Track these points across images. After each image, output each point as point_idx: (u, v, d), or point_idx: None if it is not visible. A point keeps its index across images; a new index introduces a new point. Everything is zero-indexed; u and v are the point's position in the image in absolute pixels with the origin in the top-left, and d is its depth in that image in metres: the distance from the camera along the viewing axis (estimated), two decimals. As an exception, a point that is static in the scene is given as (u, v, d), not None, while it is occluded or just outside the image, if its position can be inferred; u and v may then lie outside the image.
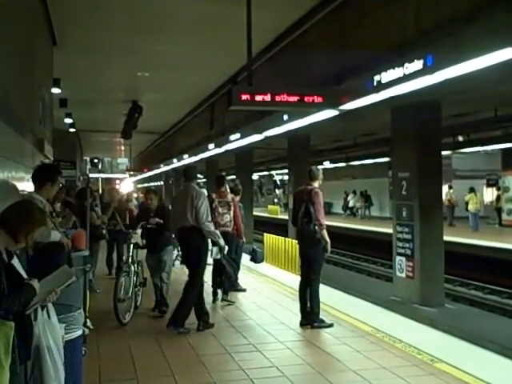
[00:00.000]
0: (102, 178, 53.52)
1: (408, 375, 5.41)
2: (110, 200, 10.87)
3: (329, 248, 7.36)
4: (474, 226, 22.01)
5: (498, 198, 24.58)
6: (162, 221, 7.97)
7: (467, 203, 22.88)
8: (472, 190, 22.99)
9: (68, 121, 20.40)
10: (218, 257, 7.60)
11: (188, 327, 7.08)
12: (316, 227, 7.24)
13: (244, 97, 7.96)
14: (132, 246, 8.13)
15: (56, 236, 4.88)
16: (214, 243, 7.47)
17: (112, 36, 11.71)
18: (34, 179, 5.17)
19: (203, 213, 7.06)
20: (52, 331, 3.20)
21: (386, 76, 7.21)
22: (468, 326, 9.13)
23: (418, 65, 6.58)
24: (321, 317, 7.38)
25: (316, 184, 7.53)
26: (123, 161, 56.01)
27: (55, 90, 13.75)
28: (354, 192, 32.04)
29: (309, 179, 7.61)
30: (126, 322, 7.46)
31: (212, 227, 7.25)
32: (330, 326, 7.29)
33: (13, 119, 6.71)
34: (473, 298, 14.33)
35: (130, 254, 8.07)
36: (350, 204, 32.23)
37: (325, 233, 7.29)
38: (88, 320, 5.51)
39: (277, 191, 51.27)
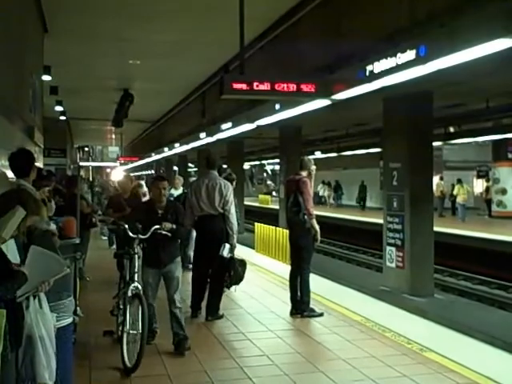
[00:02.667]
0: (92, 167, 53.38)
1: (397, 364, 5.45)
2: (123, 191, 9.45)
3: (318, 237, 7.39)
4: (461, 216, 22.16)
5: (487, 189, 24.72)
6: (174, 225, 5.96)
7: (452, 195, 23.08)
8: (459, 181, 23.09)
9: (58, 108, 20.26)
10: (225, 255, 7.09)
11: (222, 312, 7.28)
12: (305, 216, 7.27)
13: (236, 86, 7.92)
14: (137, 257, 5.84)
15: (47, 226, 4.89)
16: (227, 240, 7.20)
17: (104, 23, 11.61)
18: (20, 167, 5.06)
19: (232, 203, 7.28)
20: (44, 321, 3.20)
21: (378, 66, 7.19)
22: (457, 315, 9.20)
23: (410, 55, 6.56)
24: (311, 306, 7.41)
25: (304, 173, 7.55)
26: (114, 149, 55.73)
27: (46, 78, 13.65)
28: (323, 182, 32.88)
29: (299, 168, 7.64)
30: (131, 367, 5.23)
31: (235, 220, 7.33)
32: (320, 315, 7.32)
33: (3, 106, 6.66)
34: (462, 288, 14.43)
35: (136, 269, 5.78)
36: (320, 193, 33.17)
37: (314, 222, 7.31)
38: (78, 308, 5.52)
39: (268, 181, 51.54)
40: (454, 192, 23.12)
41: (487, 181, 25.35)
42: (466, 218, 21.96)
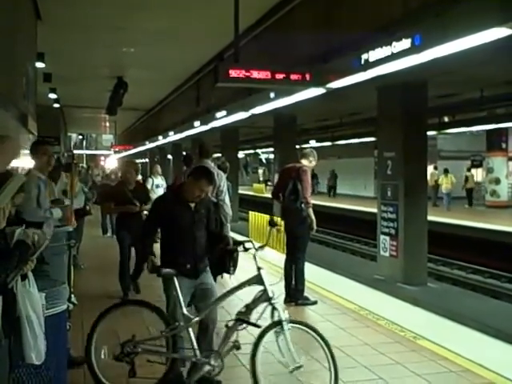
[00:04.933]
0: (86, 155, 53.34)
1: (390, 351, 5.48)
2: (126, 182, 8.06)
3: (314, 226, 7.39)
4: (445, 205, 22.37)
5: (467, 179, 24.78)
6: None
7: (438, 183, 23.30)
8: (446, 171, 23.20)
9: (52, 96, 20.19)
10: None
11: None
12: (303, 205, 7.27)
13: (231, 74, 7.92)
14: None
15: (57, 213, 5.03)
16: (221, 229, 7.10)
17: (98, 11, 11.53)
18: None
19: (226, 192, 7.24)
20: (31, 300, 3.16)
21: (373, 55, 7.19)
22: (450, 304, 9.25)
23: (405, 44, 6.56)
24: (305, 294, 7.43)
25: (305, 162, 7.55)
26: (108, 137, 55.59)
27: (39, 65, 13.58)
28: None
29: (300, 157, 7.65)
30: None
31: (229, 210, 7.31)
32: (314, 303, 7.34)
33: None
34: (455, 277, 14.51)
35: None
36: None
37: (311, 211, 7.31)
38: (73, 295, 5.52)
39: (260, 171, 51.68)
40: (439, 182, 23.33)
41: (468, 170, 25.46)
42: (450, 206, 22.12)
